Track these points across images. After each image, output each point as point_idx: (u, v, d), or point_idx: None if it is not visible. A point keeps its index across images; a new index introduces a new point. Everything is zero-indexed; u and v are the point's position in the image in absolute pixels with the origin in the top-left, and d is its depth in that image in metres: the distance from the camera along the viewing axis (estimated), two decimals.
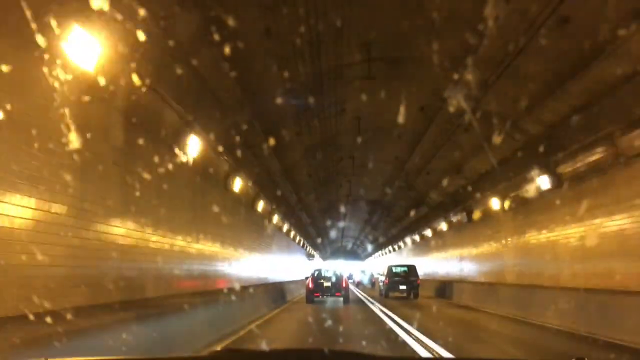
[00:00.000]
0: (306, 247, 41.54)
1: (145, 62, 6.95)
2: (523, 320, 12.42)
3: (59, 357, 4.35)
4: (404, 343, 8.86)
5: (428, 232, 28.12)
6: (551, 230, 12.53)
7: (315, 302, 19.80)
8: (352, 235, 57.51)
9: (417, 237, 31.71)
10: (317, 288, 20.06)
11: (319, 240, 51.12)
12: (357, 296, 26.41)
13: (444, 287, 23.98)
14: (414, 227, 31.34)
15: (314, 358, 1.90)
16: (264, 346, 7.63)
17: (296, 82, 11.46)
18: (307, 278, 21.34)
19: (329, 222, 43.00)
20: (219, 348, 6.37)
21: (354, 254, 68.15)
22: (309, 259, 45.73)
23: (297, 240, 34.26)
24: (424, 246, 30.80)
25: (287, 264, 29.12)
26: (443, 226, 24.39)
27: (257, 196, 16.87)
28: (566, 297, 10.92)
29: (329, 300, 20.89)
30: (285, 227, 26.49)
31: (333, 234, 53.10)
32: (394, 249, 43.54)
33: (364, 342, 8.68)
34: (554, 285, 12.25)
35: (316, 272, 20.99)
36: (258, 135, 13.12)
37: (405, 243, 37.18)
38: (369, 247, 60.41)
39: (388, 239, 43.19)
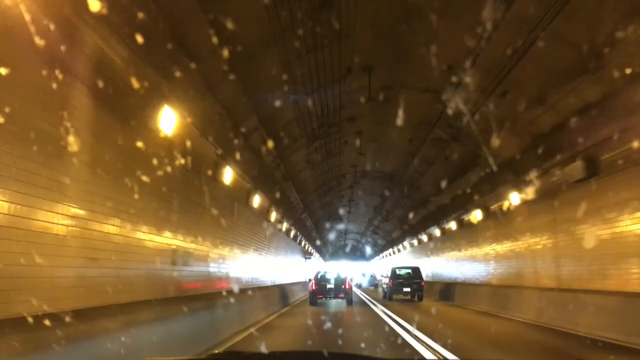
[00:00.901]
0: (302, 242, 31.81)
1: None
2: None
3: None
4: None
5: (476, 214, 18.26)
6: None
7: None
8: (357, 231, 47.84)
9: (452, 225, 21.86)
10: (320, 290, 19.14)
11: (317, 240, 41.48)
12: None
13: (502, 296, 14.39)
14: (447, 211, 21.54)
15: None
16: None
17: None
18: (309, 280, 20.83)
19: (329, 213, 33.30)
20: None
21: (358, 254, 58.52)
22: (307, 258, 36.10)
23: (289, 233, 24.56)
24: (462, 237, 20.95)
25: (277, 264, 19.56)
26: (512, 199, 14.54)
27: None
28: None
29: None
30: (274, 215, 16.88)
31: (334, 230, 43.76)
32: (410, 245, 33.68)
33: None
34: None
35: (319, 274, 20.08)
36: None
37: (429, 236, 27.33)
38: (377, 245, 50.66)
39: (403, 231, 33.32)
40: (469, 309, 16.39)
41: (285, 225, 22.10)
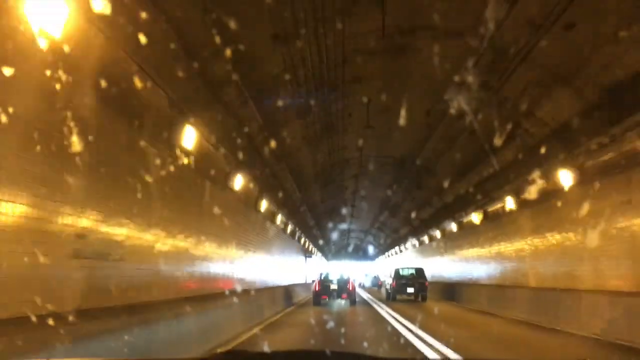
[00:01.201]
0: (302, 240, 28.77)
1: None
2: None
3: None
4: None
5: (507, 202, 15.09)
6: None
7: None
8: (361, 229, 44.74)
9: (473, 218, 18.71)
10: (323, 290, 19.01)
11: (320, 239, 38.43)
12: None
13: (549, 302, 11.34)
14: (467, 201, 18.38)
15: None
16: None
17: None
18: (313, 282, 21.40)
19: (331, 208, 30.20)
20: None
21: (361, 254, 55.49)
22: (307, 257, 33.05)
23: (286, 228, 21.53)
24: (486, 231, 17.80)
25: (270, 263, 16.61)
26: (562, 178, 11.37)
27: None
28: None
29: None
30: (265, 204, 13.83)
31: (337, 228, 40.81)
32: (420, 242, 30.54)
33: None
34: None
35: (323, 275, 20.02)
36: None
37: (443, 231, 24.20)
38: (382, 244, 47.57)
39: (413, 228, 30.19)
40: (501, 317, 13.25)
41: (280, 218, 19.03)
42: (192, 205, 9.08)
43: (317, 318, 13.89)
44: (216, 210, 10.48)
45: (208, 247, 9.97)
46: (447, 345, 7.95)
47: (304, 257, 32.09)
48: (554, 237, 12.34)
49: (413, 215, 27.01)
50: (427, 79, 12.14)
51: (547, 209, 12.44)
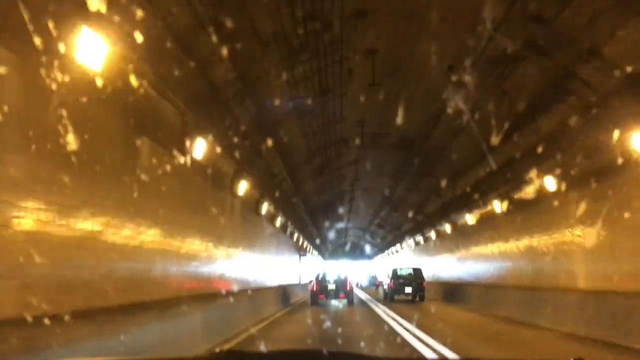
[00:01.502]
0: (295, 236, 25.82)
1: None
2: None
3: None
4: None
5: (546, 184, 12.07)
6: None
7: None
8: (359, 226, 41.91)
9: (495, 207, 15.69)
10: (321, 290, 19.00)
11: (316, 237, 35.55)
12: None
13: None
14: (489, 185, 15.42)
15: (313, 359, 1.77)
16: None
17: None
18: (310, 282, 21.27)
19: (327, 202, 27.30)
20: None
21: (359, 253, 52.75)
22: (301, 256, 30.14)
23: (275, 220, 18.62)
24: (511, 222, 14.82)
25: (255, 261, 13.72)
26: (636, 143, 8.37)
27: None
28: None
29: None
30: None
31: (334, 226, 38.12)
32: (425, 239, 27.56)
33: None
34: None
35: (320, 275, 19.90)
36: None
37: (453, 225, 21.21)
38: (381, 242, 44.72)
39: (417, 223, 27.20)
40: (546, 330, 10.25)
41: (266, 208, 16.02)
42: (125, 175, 6.07)
43: (306, 331, 10.92)
44: (168, 186, 7.47)
45: (157, 237, 6.98)
46: None
47: (297, 256, 29.18)
48: (620, 225, 9.33)
49: (417, 208, 24.11)
50: (454, 17, 9.14)
51: (607, 190, 9.42)
